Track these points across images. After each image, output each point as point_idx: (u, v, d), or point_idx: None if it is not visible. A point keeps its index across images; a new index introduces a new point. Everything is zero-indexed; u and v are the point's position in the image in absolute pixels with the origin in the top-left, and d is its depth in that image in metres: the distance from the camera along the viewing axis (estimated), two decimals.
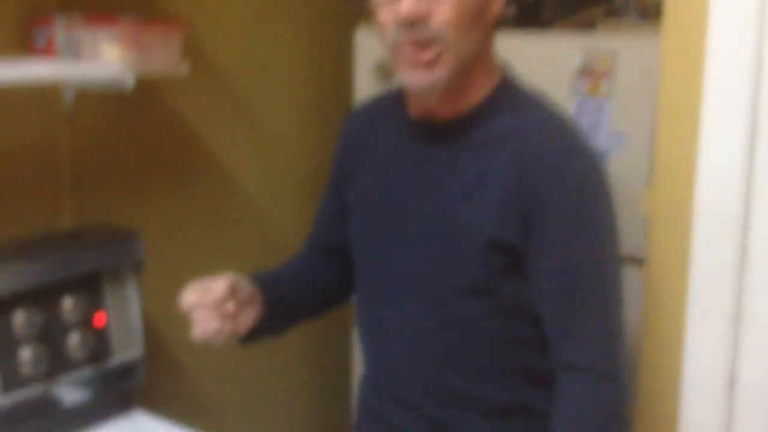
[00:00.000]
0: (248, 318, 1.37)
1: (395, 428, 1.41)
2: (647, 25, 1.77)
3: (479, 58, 1.31)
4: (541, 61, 1.80)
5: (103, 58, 1.50)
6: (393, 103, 1.46)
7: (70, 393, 1.51)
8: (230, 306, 1.31)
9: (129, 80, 1.49)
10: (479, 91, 1.33)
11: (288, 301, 1.47)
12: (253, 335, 1.41)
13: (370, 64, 2.11)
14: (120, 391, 1.60)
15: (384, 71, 2.10)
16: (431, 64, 1.25)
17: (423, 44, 1.24)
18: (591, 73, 1.75)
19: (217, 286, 1.30)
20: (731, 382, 1.31)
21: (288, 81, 2.16)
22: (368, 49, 2.12)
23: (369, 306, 1.45)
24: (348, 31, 2.16)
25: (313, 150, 1.93)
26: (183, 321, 1.34)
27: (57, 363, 1.47)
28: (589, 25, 1.85)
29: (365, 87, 2.13)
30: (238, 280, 1.34)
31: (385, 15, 1.26)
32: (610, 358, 1.26)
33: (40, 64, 1.47)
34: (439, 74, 1.26)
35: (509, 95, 1.35)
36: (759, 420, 1.26)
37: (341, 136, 1.56)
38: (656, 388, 1.42)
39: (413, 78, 1.28)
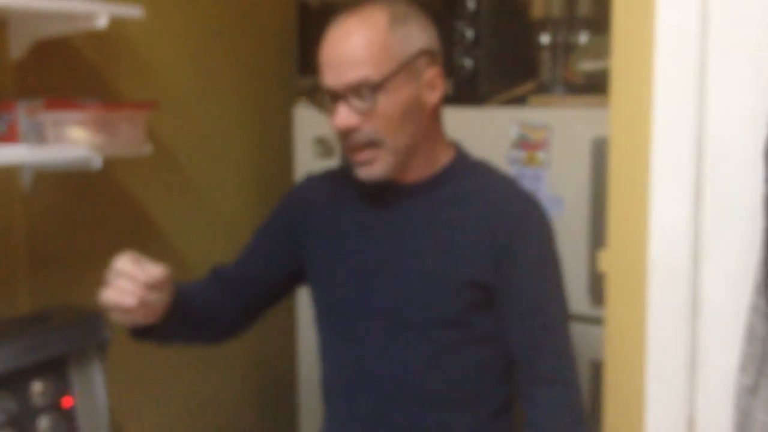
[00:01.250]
0: (152, 315, 1.36)
1: None
2: (575, 98, 1.92)
3: (427, 139, 1.49)
4: (479, 134, 1.92)
5: (69, 141, 1.52)
6: (348, 173, 1.58)
7: None
8: (154, 295, 1.31)
9: (97, 162, 1.52)
10: (438, 162, 1.52)
11: (185, 315, 1.47)
12: (144, 332, 1.42)
13: (310, 139, 2.20)
14: None
15: (323, 147, 2.18)
16: (370, 162, 1.44)
17: (359, 148, 1.43)
18: (527, 145, 1.88)
19: (155, 270, 1.30)
20: (690, 425, 1.40)
21: (233, 158, 2.23)
22: (307, 125, 2.21)
23: (348, 350, 1.55)
24: (288, 108, 2.25)
25: (257, 223, 1.97)
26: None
27: None
28: (521, 100, 1.98)
29: (305, 161, 2.20)
30: (170, 279, 1.34)
31: (331, 120, 1.44)
32: (572, 368, 1.51)
33: (10, 148, 1.49)
34: (378, 170, 1.45)
35: (465, 163, 1.55)
36: None
37: (297, 195, 1.66)
38: None
39: (358, 172, 1.46)
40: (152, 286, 1.29)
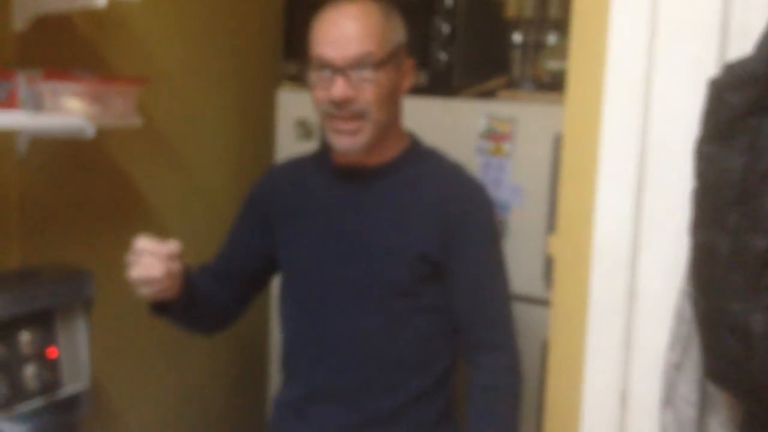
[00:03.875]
0: (171, 291, 1.53)
1: (327, 426, 1.65)
2: (541, 95, 2.03)
3: (393, 123, 1.65)
4: (450, 124, 2.04)
5: (65, 110, 1.62)
6: (314, 160, 1.77)
7: (23, 423, 1.59)
8: (176, 265, 1.48)
9: (90, 131, 1.62)
10: (395, 148, 1.68)
11: (193, 294, 1.63)
12: (164, 309, 1.59)
13: (291, 121, 2.30)
14: (67, 423, 1.69)
15: (304, 129, 2.29)
16: (355, 132, 1.58)
17: (349, 118, 1.56)
18: (494, 136, 1.99)
19: (171, 243, 1.48)
20: (623, 397, 1.50)
21: (218, 135, 2.32)
22: (290, 107, 2.31)
23: (310, 318, 1.68)
24: (272, 91, 2.34)
25: (237, 199, 2.07)
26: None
27: (15, 393, 1.56)
28: (491, 94, 2.09)
29: (286, 143, 2.31)
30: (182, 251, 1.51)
31: (320, 93, 1.57)
32: (512, 335, 1.67)
33: (9, 114, 1.58)
34: (360, 140, 1.59)
35: (419, 150, 1.71)
36: (647, 429, 1.47)
37: (262, 186, 1.80)
38: (560, 404, 1.59)
39: (340, 142, 1.60)
40: (173, 257, 1.46)
